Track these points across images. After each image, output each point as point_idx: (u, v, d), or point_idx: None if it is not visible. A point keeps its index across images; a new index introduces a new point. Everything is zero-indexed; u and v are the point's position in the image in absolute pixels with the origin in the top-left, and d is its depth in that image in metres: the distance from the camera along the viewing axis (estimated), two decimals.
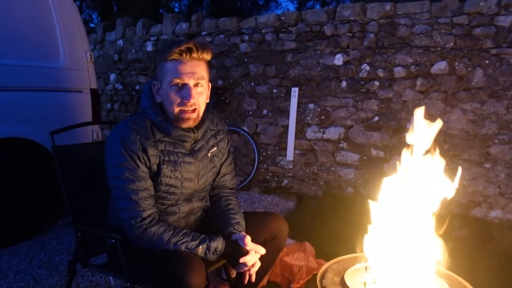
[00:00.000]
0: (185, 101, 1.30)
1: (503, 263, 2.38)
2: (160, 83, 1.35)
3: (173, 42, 1.35)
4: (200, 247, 1.30)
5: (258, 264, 1.38)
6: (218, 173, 1.57)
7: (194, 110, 1.34)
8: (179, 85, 1.30)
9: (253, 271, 1.38)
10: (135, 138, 1.31)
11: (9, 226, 2.54)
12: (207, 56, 1.34)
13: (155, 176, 1.36)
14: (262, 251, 1.40)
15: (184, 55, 1.28)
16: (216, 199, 1.59)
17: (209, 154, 1.49)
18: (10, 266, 2.28)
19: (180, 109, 1.33)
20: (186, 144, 1.42)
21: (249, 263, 1.36)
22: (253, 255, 1.36)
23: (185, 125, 1.36)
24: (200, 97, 1.34)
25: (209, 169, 1.50)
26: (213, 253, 1.32)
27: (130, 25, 5.44)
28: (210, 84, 1.45)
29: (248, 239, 1.37)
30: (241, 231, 1.44)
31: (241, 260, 1.34)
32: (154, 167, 1.35)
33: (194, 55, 1.30)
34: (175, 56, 1.28)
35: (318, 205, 3.53)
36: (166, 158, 1.36)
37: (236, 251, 1.36)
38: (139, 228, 1.30)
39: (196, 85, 1.32)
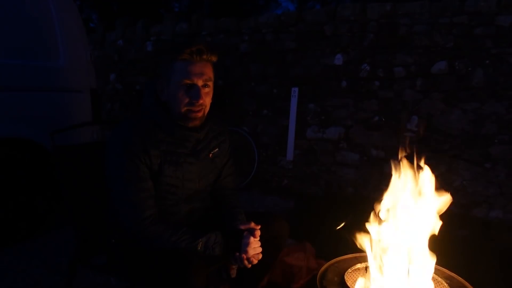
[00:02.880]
0: (193, 101, 1.32)
1: (503, 263, 2.38)
2: (167, 82, 1.35)
3: (182, 43, 1.36)
4: (200, 241, 1.30)
5: (258, 251, 1.38)
6: (220, 175, 1.57)
7: (200, 110, 1.35)
8: (188, 85, 1.31)
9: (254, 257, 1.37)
10: (136, 138, 1.31)
11: (9, 226, 2.54)
12: (214, 58, 1.37)
13: (156, 176, 1.35)
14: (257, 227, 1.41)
15: (194, 56, 1.30)
16: (218, 200, 1.59)
17: (211, 155, 1.49)
18: (10, 266, 2.28)
19: (188, 109, 1.33)
20: (188, 144, 1.41)
21: (252, 242, 1.36)
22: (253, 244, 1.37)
23: (192, 124, 1.37)
24: (207, 97, 1.36)
25: (210, 170, 1.50)
26: (212, 246, 1.31)
27: (130, 25, 5.44)
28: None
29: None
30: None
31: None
32: (156, 167, 1.35)
33: (204, 56, 1.32)
34: (185, 56, 1.30)
35: (318, 205, 3.52)
36: (168, 158, 1.36)
37: (236, 243, 1.36)
38: (139, 229, 1.30)
39: (204, 86, 1.34)
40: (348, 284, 1.27)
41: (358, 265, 1.41)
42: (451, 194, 1.27)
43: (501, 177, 3.22)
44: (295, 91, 4.08)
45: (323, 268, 1.38)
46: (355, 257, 1.44)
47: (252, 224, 1.42)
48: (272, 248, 1.48)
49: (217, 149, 1.52)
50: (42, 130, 2.42)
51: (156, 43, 5.07)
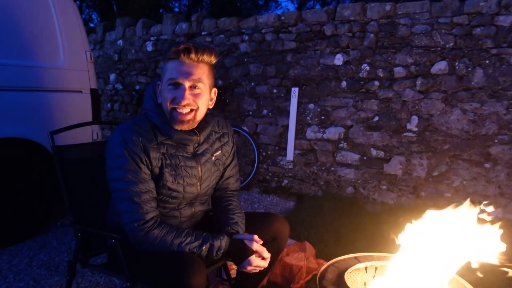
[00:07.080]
0: (177, 101, 1.29)
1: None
2: (161, 82, 1.35)
3: (175, 43, 1.36)
4: (204, 247, 1.30)
5: (264, 264, 1.40)
6: (221, 176, 1.56)
7: (190, 111, 1.32)
8: (175, 84, 1.30)
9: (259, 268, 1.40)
10: (137, 139, 1.29)
11: (9, 226, 2.54)
12: (208, 59, 1.32)
13: (157, 179, 1.34)
14: (267, 255, 1.40)
15: (182, 55, 1.28)
16: (217, 200, 1.59)
17: (213, 158, 1.47)
18: (10, 266, 2.28)
19: (173, 107, 1.31)
20: (189, 147, 1.40)
21: (254, 263, 1.37)
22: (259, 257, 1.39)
23: (179, 127, 1.33)
24: (198, 99, 1.32)
25: (212, 173, 1.48)
26: (216, 252, 1.32)
27: (130, 25, 5.44)
28: (216, 89, 1.43)
29: (256, 238, 1.40)
30: (238, 231, 1.44)
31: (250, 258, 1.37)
32: (156, 170, 1.33)
33: (192, 56, 1.28)
34: (174, 56, 1.29)
35: (318, 205, 3.52)
36: (168, 162, 1.34)
37: (241, 249, 1.36)
38: (141, 231, 1.28)
39: (193, 87, 1.30)
40: (348, 284, 1.26)
41: (358, 265, 1.40)
42: (451, 194, 1.27)
43: (501, 177, 3.22)
44: (295, 91, 4.08)
45: (323, 268, 1.38)
46: (355, 257, 1.44)
47: (254, 246, 1.40)
48: (272, 249, 1.48)
49: (219, 152, 1.50)
50: (42, 130, 2.42)
51: (156, 43, 5.07)
